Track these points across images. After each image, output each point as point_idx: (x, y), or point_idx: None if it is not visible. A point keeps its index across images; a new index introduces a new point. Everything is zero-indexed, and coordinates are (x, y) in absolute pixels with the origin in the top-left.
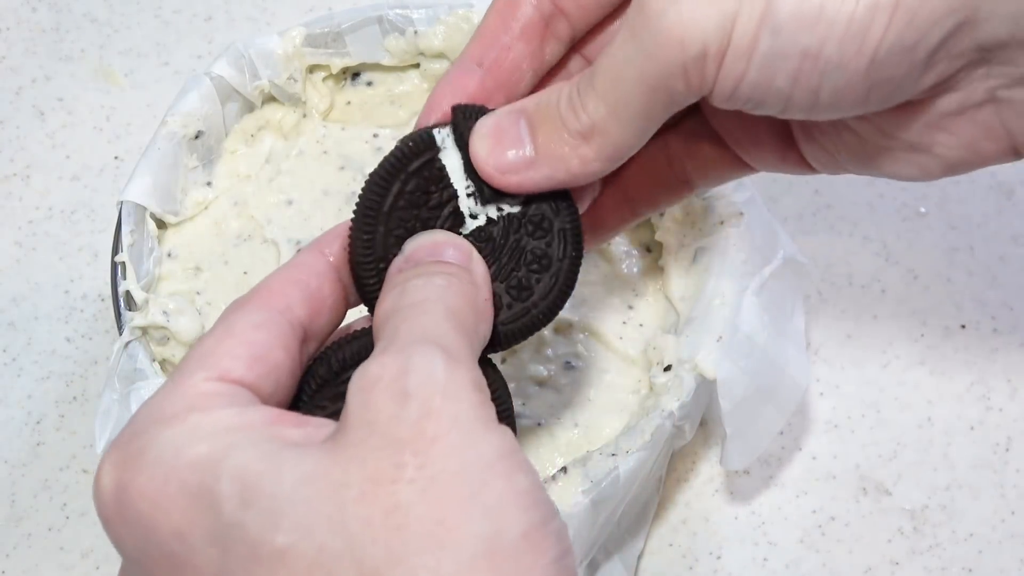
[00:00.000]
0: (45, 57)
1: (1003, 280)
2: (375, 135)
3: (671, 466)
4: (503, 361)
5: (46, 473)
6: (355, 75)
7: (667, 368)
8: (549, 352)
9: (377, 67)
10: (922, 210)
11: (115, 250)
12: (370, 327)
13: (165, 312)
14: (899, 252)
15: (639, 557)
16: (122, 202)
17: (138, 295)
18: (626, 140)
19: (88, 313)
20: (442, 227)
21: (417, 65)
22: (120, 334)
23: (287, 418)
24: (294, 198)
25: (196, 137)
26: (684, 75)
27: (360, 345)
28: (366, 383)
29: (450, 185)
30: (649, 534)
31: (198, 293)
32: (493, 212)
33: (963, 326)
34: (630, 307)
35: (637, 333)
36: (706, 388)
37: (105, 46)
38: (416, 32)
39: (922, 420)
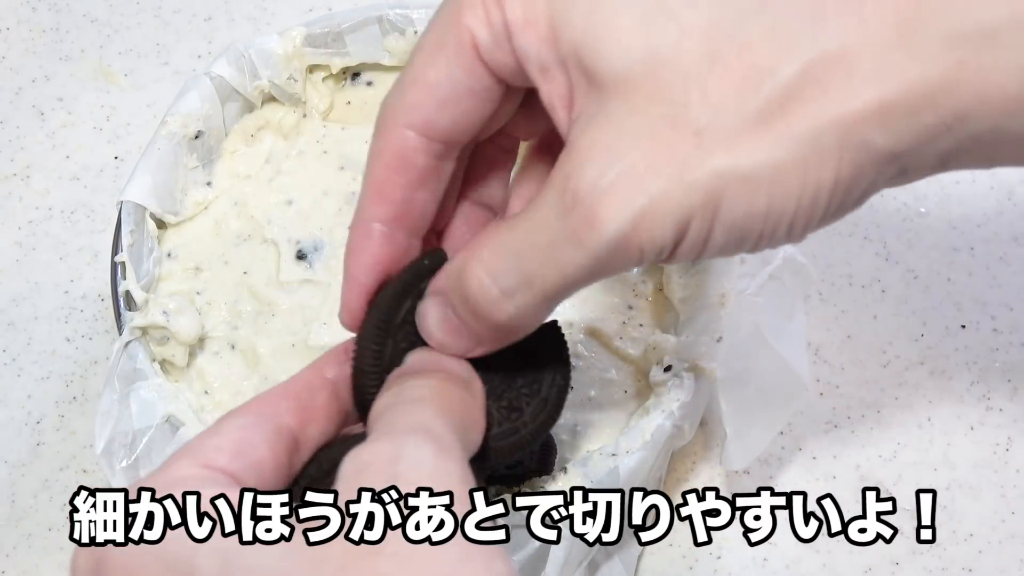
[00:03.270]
0: (45, 57)
1: (1003, 280)
2: None
3: (671, 466)
4: None
5: (46, 473)
6: (355, 75)
7: (667, 368)
8: None
9: (377, 67)
10: (922, 210)
11: (115, 250)
12: (363, 432)
13: (165, 312)
14: (899, 252)
15: (639, 557)
16: (122, 202)
17: (138, 295)
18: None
19: (88, 313)
20: None
21: None
22: (120, 334)
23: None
24: (294, 198)
25: (196, 137)
26: (635, 263)
27: (351, 444)
28: (356, 468)
29: None
30: None
31: (198, 293)
32: None
33: (963, 326)
34: (630, 307)
35: (637, 333)
36: (706, 388)
37: (105, 46)
38: (416, 32)
39: (922, 420)
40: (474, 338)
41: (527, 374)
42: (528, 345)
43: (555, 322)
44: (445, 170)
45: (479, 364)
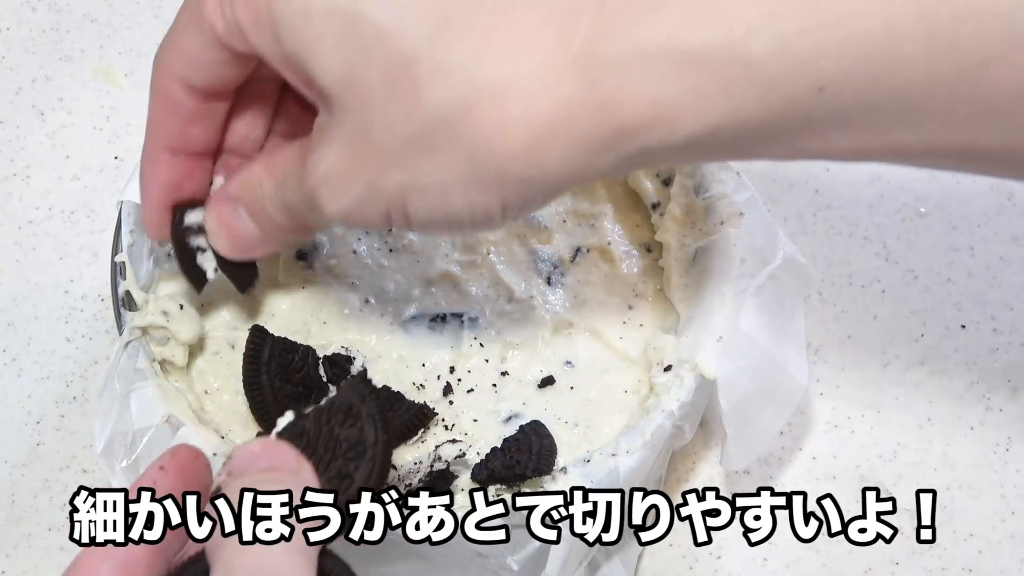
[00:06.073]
0: (45, 57)
1: (1003, 280)
2: None
3: (671, 466)
4: (502, 360)
5: (46, 473)
6: None
7: (667, 368)
8: (549, 352)
9: None
10: (922, 210)
11: (115, 250)
12: (200, 557)
13: (165, 312)
14: (899, 252)
15: (639, 557)
16: (122, 202)
17: (138, 295)
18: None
19: (88, 313)
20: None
21: None
22: (120, 334)
23: None
24: None
25: None
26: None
27: (196, 571)
28: None
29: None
30: None
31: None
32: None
33: (963, 326)
34: (630, 307)
35: (637, 333)
36: (706, 388)
37: (105, 46)
38: None
39: (922, 420)
40: (258, 239)
41: (348, 437)
42: (342, 406)
43: (365, 376)
44: (217, 109)
45: (302, 441)
